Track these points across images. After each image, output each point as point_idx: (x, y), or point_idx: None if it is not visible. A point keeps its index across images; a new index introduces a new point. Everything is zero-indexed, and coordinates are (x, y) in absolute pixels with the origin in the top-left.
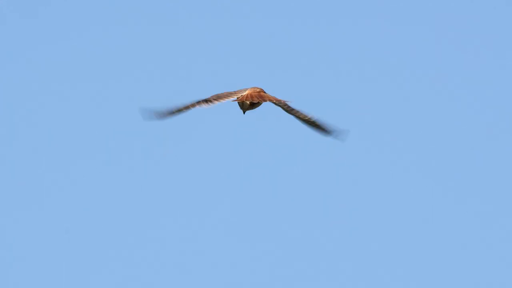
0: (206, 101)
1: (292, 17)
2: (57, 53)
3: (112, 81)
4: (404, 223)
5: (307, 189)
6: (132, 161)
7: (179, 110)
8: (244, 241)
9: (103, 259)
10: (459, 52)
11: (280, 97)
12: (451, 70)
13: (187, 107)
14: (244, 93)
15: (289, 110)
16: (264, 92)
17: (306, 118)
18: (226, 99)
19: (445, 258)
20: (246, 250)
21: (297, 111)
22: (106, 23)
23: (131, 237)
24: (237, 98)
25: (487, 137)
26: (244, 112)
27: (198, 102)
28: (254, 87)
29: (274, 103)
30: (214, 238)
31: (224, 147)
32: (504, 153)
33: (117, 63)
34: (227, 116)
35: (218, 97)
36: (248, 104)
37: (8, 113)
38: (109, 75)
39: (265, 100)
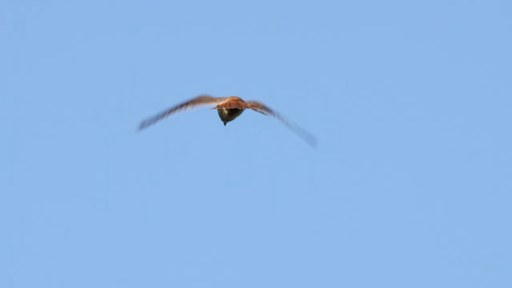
0: (187, 104)
1: (283, 24)
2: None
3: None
4: (401, 227)
5: (300, 197)
6: (128, 170)
7: (163, 115)
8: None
9: (102, 259)
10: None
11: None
12: (449, 73)
13: (170, 111)
14: (223, 102)
15: (267, 112)
16: (242, 101)
17: (284, 121)
18: (207, 104)
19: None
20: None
21: (276, 113)
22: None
23: (129, 238)
24: (217, 105)
25: (484, 140)
26: (225, 124)
27: (181, 106)
28: (232, 96)
29: (253, 109)
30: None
31: (211, 159)
32: (499, 158)
33: (102, 68)
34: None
35: (200, 100)
36: (227, 114)
37: (7, 117)
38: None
39: (243, 107)
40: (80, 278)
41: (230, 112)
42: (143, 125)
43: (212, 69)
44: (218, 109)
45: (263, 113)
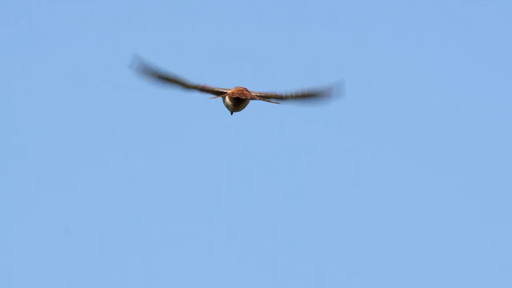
0: (192, 86)
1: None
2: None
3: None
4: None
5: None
6: (128, 162)
7: (167, 78)
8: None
9: (102, 260)
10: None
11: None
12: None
13: (174, 80)
14: (227, 92)
15: (280, 98)
16: (248, 91)
17: (299, 95)
18: (209, 93)
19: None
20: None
21: (286, 95)
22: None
23: (127, 237)
24: (221, 94)
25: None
26: (231, 113)
27: (186, 84)
28: (237, 86)
29: (260, 99)
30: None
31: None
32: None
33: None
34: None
35: (203, 88)
36: (231, 104)
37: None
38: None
39: (248, 98)
40: (81, 277)
41: (235, 102)
42: (145, 69)
43: (213, 63)
44: (223, 100)
45: (273, 102)
